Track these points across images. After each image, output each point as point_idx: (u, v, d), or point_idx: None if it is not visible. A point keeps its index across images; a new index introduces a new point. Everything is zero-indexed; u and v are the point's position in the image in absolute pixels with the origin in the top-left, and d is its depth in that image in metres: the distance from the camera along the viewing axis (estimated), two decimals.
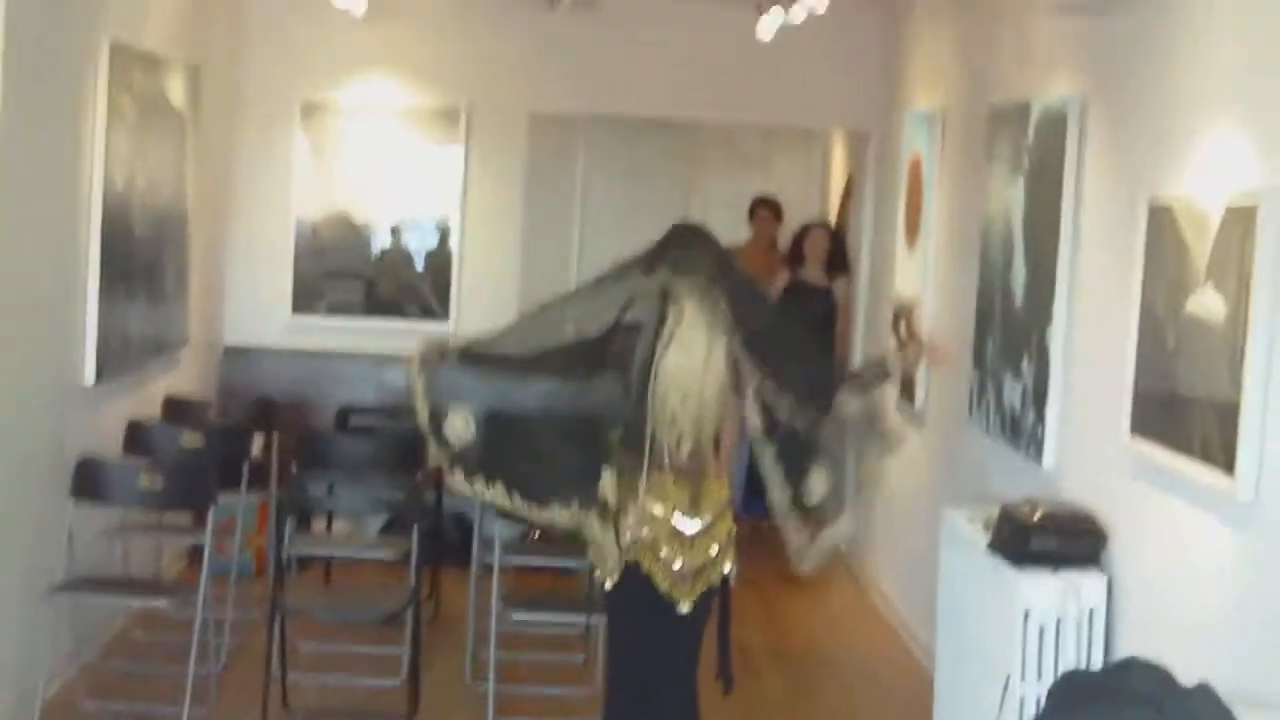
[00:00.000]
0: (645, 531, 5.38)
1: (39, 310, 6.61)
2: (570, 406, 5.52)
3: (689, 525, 5.40)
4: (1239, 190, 4.46)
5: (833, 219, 11.58)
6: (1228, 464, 4.39)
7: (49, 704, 6.46)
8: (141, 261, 7.86)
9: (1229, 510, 4.46)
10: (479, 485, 5.48)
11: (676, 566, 5.40)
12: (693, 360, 5.36)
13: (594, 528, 5.45)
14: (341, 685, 7.18)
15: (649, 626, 5.50)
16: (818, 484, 5.60)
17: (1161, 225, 4.95)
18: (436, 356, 5.58)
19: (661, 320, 5.40)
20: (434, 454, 5.60)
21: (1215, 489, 4.49)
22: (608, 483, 5.41)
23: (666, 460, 5.39)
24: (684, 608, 5.42)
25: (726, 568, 5.57)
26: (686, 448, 5.39)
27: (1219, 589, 4.55)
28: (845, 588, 9.59)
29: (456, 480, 5.52)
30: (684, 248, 5.51)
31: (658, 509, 5.38)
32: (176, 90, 8.38)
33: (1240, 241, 4.39)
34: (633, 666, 5.57)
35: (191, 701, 6.40)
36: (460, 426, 5.51)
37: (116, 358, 7.47)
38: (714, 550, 5.50)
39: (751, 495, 10.91)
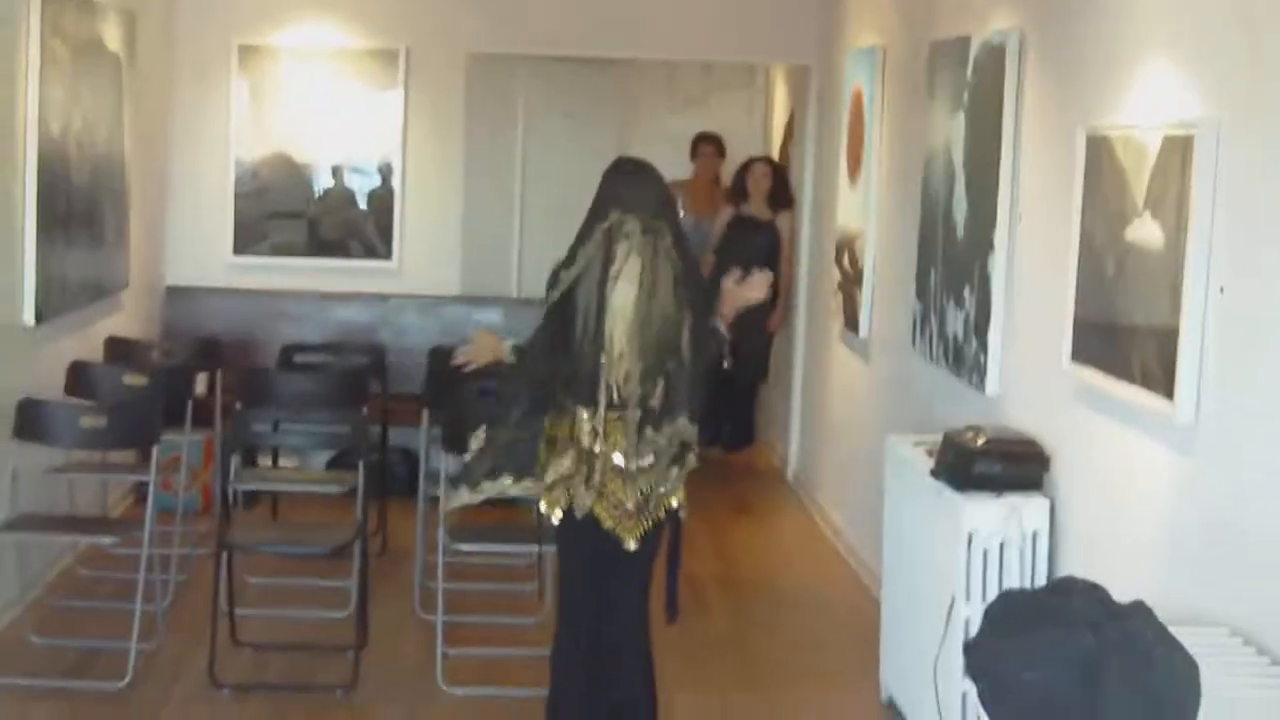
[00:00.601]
0: (585, 470, 5.41)
1: None
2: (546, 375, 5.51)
3: (632, 462, 5.41)
4: (1176, 120, 4.51)
5: (775, 154, 11.60)
6: (1167, 389, 4.45)
7: None
8: (80, 205, 7.83)
9: (1168, 434, 4.53)
10: (486, 484, 5.49)
11: (626, 505, 5.42)
12: (640, 292, 5.37)
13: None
14: (290, 619, 7.22)
15: (597, 562, 5.53)
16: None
17: (1100, 156, 4.99)
18: None
19: (609, 257, 5.40)
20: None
21: (1155, 413, 4.55)
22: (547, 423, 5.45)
23: (615, 397, 5.40)
24: (630, 544, 5.45)
25: (675, 502, 5.60)
26: (634, 384, 5.40)
27: (1159, 511, 4.63)
28: (794, 517, 9.67)
29: (462, 495, 5.54)
30: (629, 184, 5.52)
31: (598, 447, 5.39)
32: (112, 35, 8.33)
33: (1178, 170, 4.43)
34: (582, 601, 5.61)
35: (139, 637, 6.42)
36: (474, 445, 5.52)
37: (56, 300, 7.46)
38: (662, 486, 5.52)
39: (699, 425, 10.98)
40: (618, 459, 5.37)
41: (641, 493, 5.42)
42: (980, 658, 2.23)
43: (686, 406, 5.46)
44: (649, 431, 5.40)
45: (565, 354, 5.39)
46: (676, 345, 5.40)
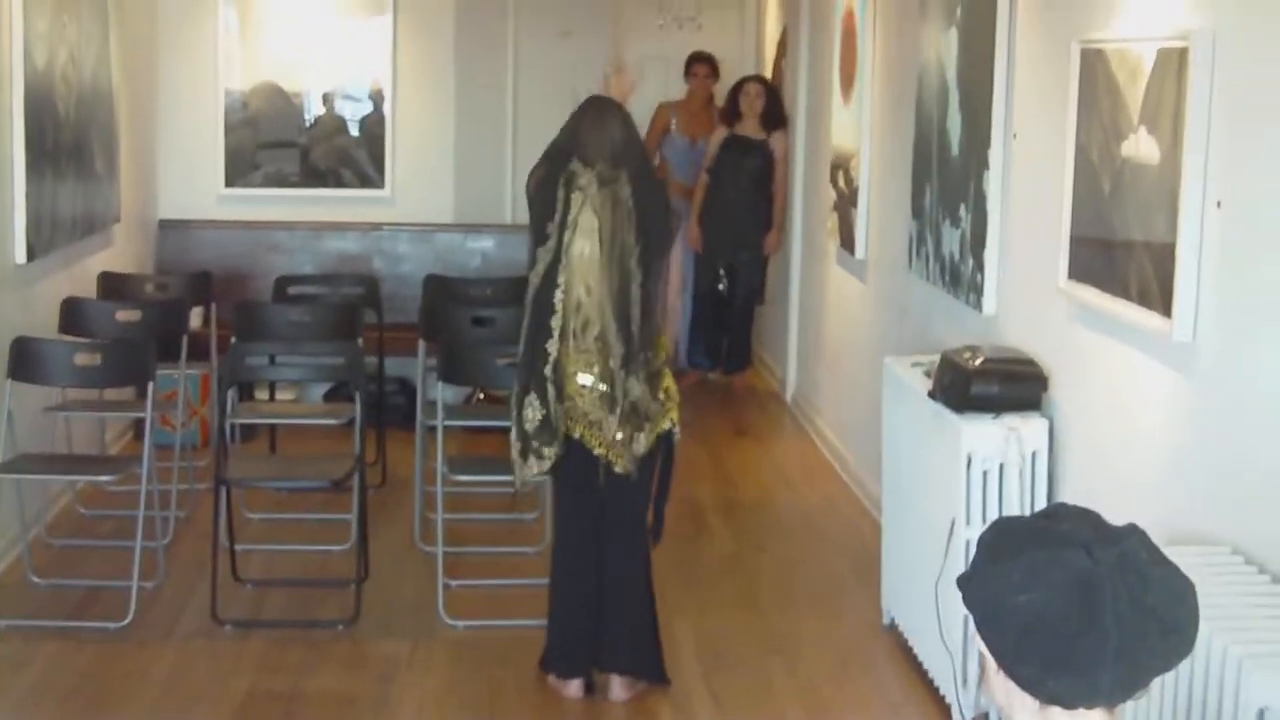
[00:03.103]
0: (571, 403, 5.43)
1: None
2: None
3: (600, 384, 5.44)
4: (1170, 31, 4.45)
5: (768, 73, 11.52)
6: (1164, 306, 4.41)
7: None
8: (68, 139, 7.76)
9: (1166, 352, 4.49)
10: (548, 450, 5.51)
11: (615, 435, 5.44)
12: (596, 247, 5.39)
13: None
14: (290, 553, 7.21)
15: (592, 490, 5.55)
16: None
17: (1094, 70, 4.94)
18: None
19: (566, 206, 5.42)
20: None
21: (1153, 331, 4.52)
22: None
23: (573, 344, 5.41)
24: (618, 467, 5.48)
25: (667, 425, 5.61)
26: (593, 333, 5.41)
27: (1158, 430, 4.60)
28: (792, 439, 9.66)
29: (532, 467, 5.55)
30: (591, 127, 5.51)
31: (583, 378, 5.42)
32: None
33: (1173, 83, 4.38)
34: (579, 528, 5.62)
35: (140, 575, 6.41)
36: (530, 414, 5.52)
37: (47, 236, 7.41)
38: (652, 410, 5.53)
39: (696, 348, 11.00)
40: (583, 379, 5.40)
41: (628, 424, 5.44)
42: (974, 587, 2.21)
43: (640, 365, 5.49)
44: (621, 374, 5.42)
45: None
46: (627, 302, 5.43)
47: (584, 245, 5.41)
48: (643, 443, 5.52)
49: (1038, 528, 2.22)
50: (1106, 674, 2.12)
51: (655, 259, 5.51)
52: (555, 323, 5.44)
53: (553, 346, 5.44)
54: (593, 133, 5.51)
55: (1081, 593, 2.11)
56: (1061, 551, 2.15)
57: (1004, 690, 2.21)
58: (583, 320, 5.43)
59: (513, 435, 5.56)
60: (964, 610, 2.25)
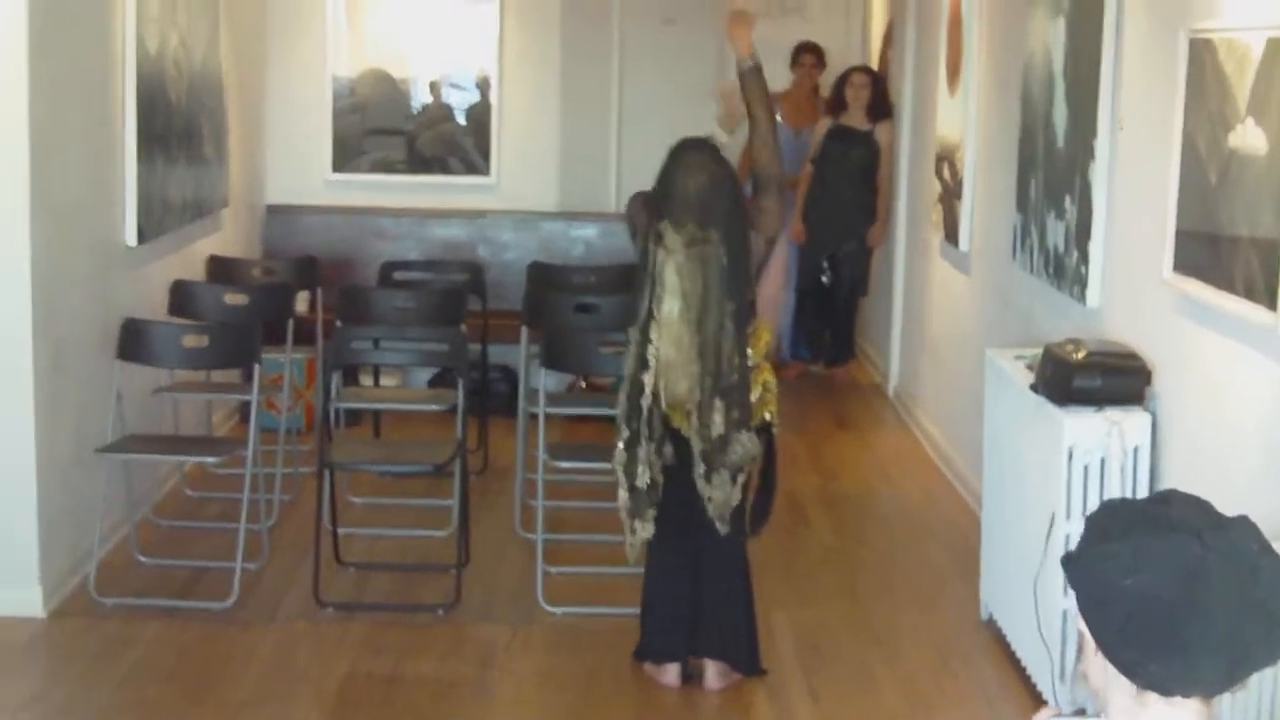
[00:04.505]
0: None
1: (79, 174, 6.64)
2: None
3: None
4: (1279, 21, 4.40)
5: (874, 63, 11.47)
6: (1270, 300, 4.36)
7: (104, 562, 6.56)
8: (178, 123, 7.86)
9: (1271, 345, 4.44)
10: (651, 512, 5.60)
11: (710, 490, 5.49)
12: (684, 306, 5.40)
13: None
14: (392, 538, 7.27)
15: (690, 477, 5.55)
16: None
17: (1202, 59, 4.89)
18: None
19: (654, 262, 5.43)
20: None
21: (1258, 325, 4.46)
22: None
23: (662, 403, 5.47)
24: (719, 527, 5.54)
25: (766, 416, 5.62)
26: (682, 390, 5.43)
27: (1263, 425, 4.55)
28: (894, 432, 9.62)
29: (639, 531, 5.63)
30: (685, 176, 5.49)
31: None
32: None
33: None
34: (676, 516, 5.63)
35: (244, 557, 6.49)
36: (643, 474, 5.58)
37: (157, 219, 7.50)
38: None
39: (797, 341, 10.98)
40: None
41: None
42: (1080, 566, 2.19)
43: (745, 420, 5.48)
44: (713, 472, 5.48)
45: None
46: (719, 359, 5.43)
47: (673, 305, 5.42)
48: (738, 494, 5.54)
49: (1148, 511, 2.20)
50: (1209, 662, 2.10)
51: (741, 323, 5.48)
52: (648, 379, 5.45)
53: (645, 402, 5.46)
54: (681, 190, 5.49)
55: (1190, 579, 2.10)
56: (1172, 536, 2.13)
57: (1102, 673, 2.20)
58: (675, 376, 5.44)
59: (622, 495, 5.60)
60: (1063, 605, 2.23)
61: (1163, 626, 2.10)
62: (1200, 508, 2.20)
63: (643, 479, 5.51)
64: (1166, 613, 2.10)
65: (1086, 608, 2.18)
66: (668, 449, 5.53)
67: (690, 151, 5.61)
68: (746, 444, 5.47)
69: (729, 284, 5.42)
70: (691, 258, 5.40)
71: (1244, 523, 2.18)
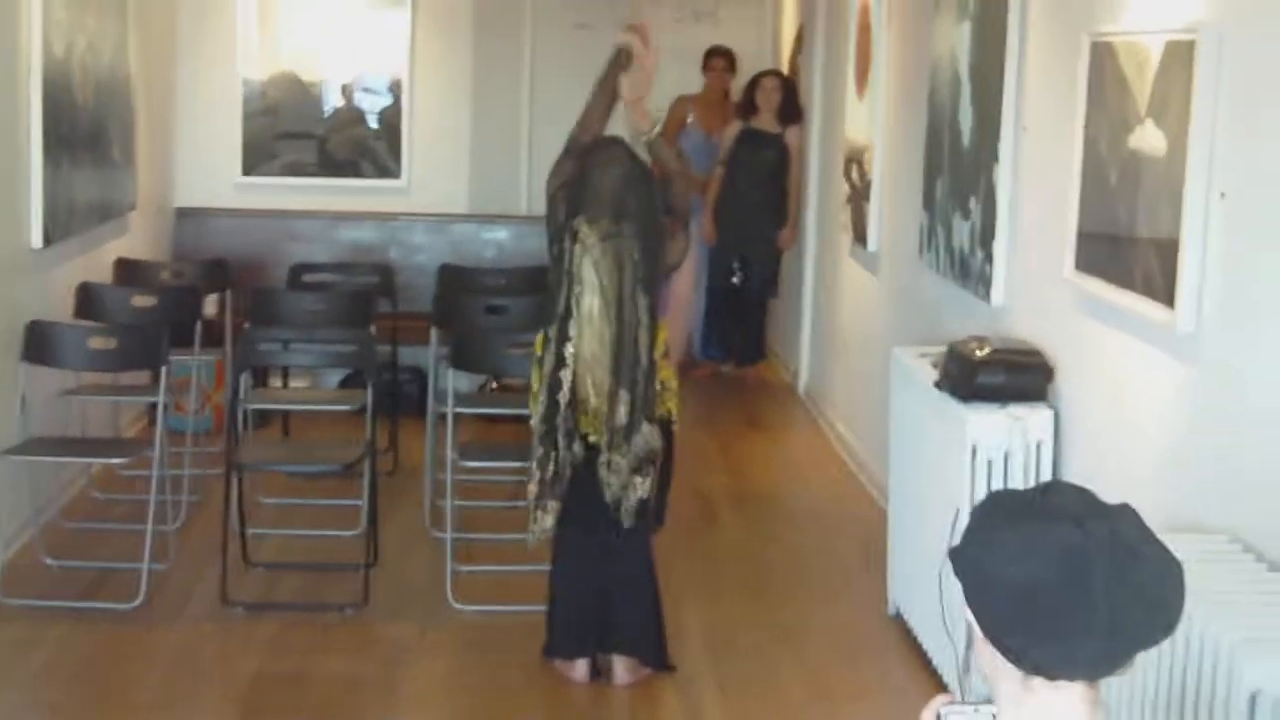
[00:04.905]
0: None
1: None
2: None
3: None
4: (1178, 24, 4.47)
5: (785, 68, 11.54)
6: (1169, 297, 4.43)
7: (10, 564, 6.53)
8: (85, 126, 7.81)
9: (1170, 342, 4.51)
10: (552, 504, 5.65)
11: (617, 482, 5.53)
12: (602, 303, 5.43)
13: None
14: (301, 538, 7.25)
15: (594, 475, 5.59)
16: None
17: (1103, 62, 4.96)
18: None
19: (570, 257, 5.46)
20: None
21: (1157, 322, 4.54)
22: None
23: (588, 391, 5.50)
24: (624, 520, 5.59)
25: (666, 412, 5.68)
26: (603, 385, 5.47)
27: (1162, 420, 4.62)
28: (804, 431, 9.68)
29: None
30: (597, 175, 5.52)
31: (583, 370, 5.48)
32: None
33: (1180, 76, 4.40)
34: (581, 513, 5.65)
35: (151, 558, 6.45)
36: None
37: (64, 222, 7.45)
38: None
39: (709, 341, 11.03)
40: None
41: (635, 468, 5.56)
42: (963, 556, 2.23)
43: (647, 410, 5.54)
44: (615, 459, 5.51)
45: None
46: (637, 348, 5.47)
47: (593, 301, 5.44)
48: (645, 488, 5.57)
49: (1030, 501, 2.24)
50: (1091, 646, 2.14)
51: (654, 316, 5.55)
52: (566, 376, 5.47)
53: (563, 398, 5.48)
54: (595, 186, 5.51)
55: (1071, 565, 2.13)
56: (1053, 525, 2.16)
57: (989, 660, 2.24)
58: (599, 374, 5.47)
59: (531, 487, 5.64)
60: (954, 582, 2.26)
61: (1044, 613, 2.14)
62: (1082, 496, 2.24)
63: (549, 471, 5.53)
64: (1048, 599, 2.13)
65: (971, 597, 2.22)
66: (577, 447, 5.55)
67: (604, 149, 5.65)
68: (648, 436, 5.51)
69: (644, 278, 5.47)
70: (607, 251, 5.43)
71: (1125, 510, 2.22)
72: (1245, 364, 4.16)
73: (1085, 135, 5.09)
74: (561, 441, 5.51)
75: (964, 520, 4.94)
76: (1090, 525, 2.16)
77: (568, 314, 5.46)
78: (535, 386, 5.66)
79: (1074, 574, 2.13)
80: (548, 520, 5.60)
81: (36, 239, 7.12)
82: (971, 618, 2.23)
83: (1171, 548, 2.22)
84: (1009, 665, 2.20)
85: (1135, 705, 3.78)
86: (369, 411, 6.75)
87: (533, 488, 5.61)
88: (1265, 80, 4.07)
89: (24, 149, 7.03)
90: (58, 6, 7.26)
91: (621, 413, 5.46)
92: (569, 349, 5.46)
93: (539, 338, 5.71)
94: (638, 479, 5.56)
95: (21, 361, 6.72)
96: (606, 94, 5.82)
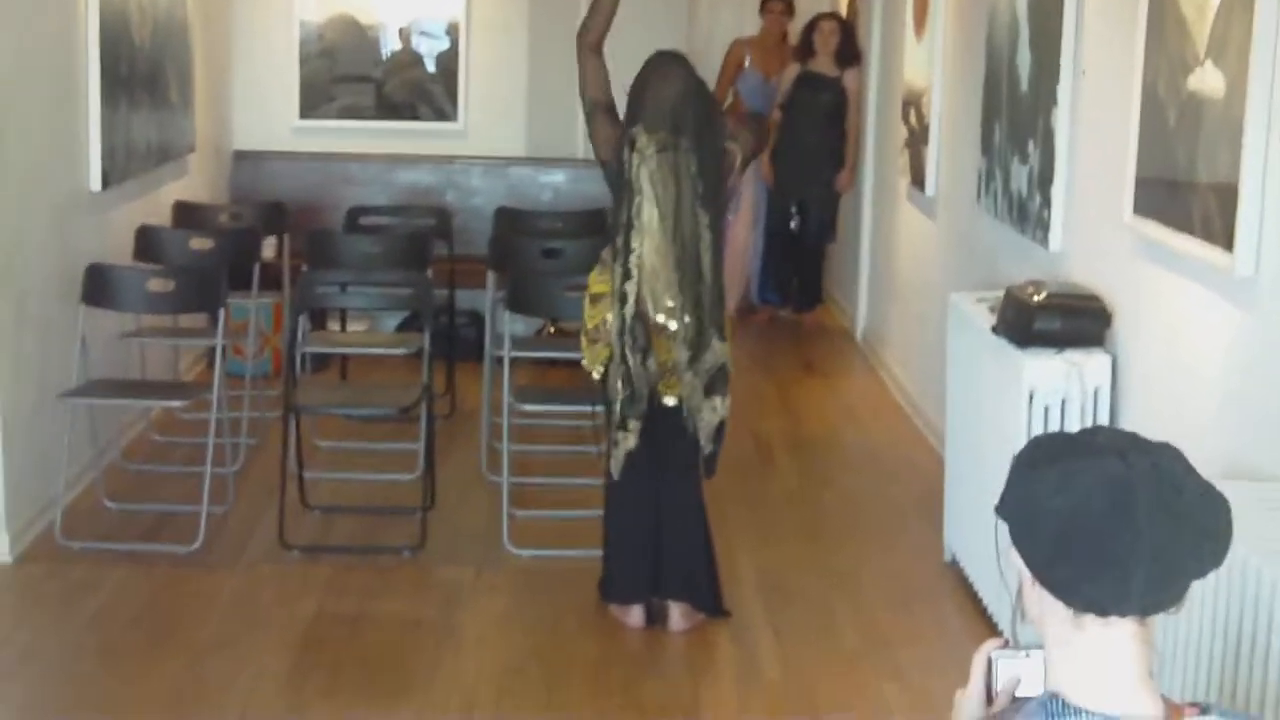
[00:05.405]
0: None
1: (42, 120, 6.62)
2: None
3: (673, 323, 5.47)
4: None
5: (843, 10, 11.46)
6: (1227, 241, 4.39)
7: (70, 507, 6.57)
8: (143, 69, 7.83)
9: (1228, 286, 4.48)
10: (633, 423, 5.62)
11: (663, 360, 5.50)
12: (660, 214, 5.42)
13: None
14: (358, 481, 7.28)
15: (648, 421, 5.59)
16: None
17: (1163, 3, 4.90)
18: None
19: (629, 169, 5.45)
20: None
21: (1215, 266, 4.50)
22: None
23: (649, 305, 5.47)
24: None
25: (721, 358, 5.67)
26: (666, 297, 5.45)
27: (1219, 365, 4.59)
28: (861, 377, 9.66)
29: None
30: (656, 87, 5.52)
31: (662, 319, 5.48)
32: None
33: (1240, 17, 4.34)
34: (637, 464, 5.65)
35: (210, 501, 6.50)
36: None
37: (122, 164, 7.49)
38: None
39: (766, 285, 11.01)
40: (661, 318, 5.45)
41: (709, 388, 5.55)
42: (1008, 498, 2.23)
43: (716, 327, 5.51)
44: (687, 375, 5.51)
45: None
46: (699, 264, 5.44)
47: (651, 212, 5.44)
48: (725, 407, 5.56)
49: (1073, 439, 2.24)
50: (1140, 572, 2.12)
51: (717, 229, 5.54)
52: (630, 288, 5.46)
53: (628, 312, 5.47)
54: (654, 98, 5.51)
55: (1115, 494, 2.12)
56: (1095, 458, 2.16)
57: (1037, 602, 2.22)
58: (659, 285, 5.46)
59: (608, 409, 5.64)
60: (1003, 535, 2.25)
61: (1092, 541, 2.13)
62: (1125, 435, 2.24)
63: (624, 391, 5.53)
64: (1095, 527, 2.13)
65: (1018, 536, 2.21)
66: (650, 363, 5.54)
67: (665, 62, 5.64)
68: (718, 351, 5.51)
69: (703, 194, 5.46)
70: (663, 164, 5.43)
71: (1168, 447, 2.22)
72: None
73: (1144, 78, 5.03)
74: (632, 358, 5.50)
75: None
76: (1133, 458, 2.15)
77: (630, 225, 5.46)
78: (589, 325, 5.66)
79: (1118, 502, 2.12)
80: (630, 440, 5.57)
81: (95, 182, 7.16)
82: (1019, 560, 2.23)
83: (1223, 489, 2.21)
84: (1057, 604, 2.19)
85: (1188, 652, 3.76)
86: (426, 355, 6.77)
87: (610, 409, 5.60)
88: None
89: (82, 91, 7.06)
90: None
91: (691, 326, 5.46)
92: (633, 260, 5.45)
93: (591, 275, 5.71)
94: (717, 399, 5.55)
95: (81, 304, 6.76)
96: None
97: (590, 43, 5.75)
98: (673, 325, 5.46)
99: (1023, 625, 3.95)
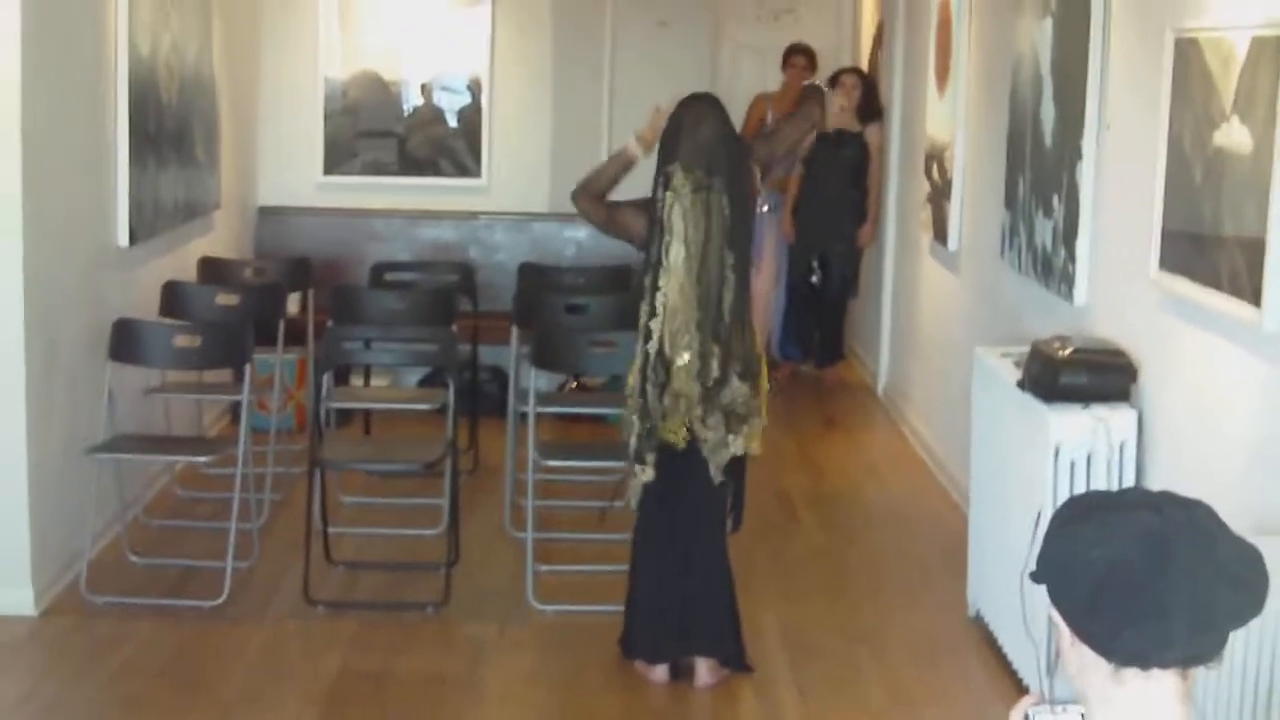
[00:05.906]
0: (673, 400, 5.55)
1: (71, 175, 6.67)
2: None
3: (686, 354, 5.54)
4: (1265, 19, 4.42)
5: (864, 65, 11.50)
6: (1255, 296, 4.39)
7: (95, 561, 6.57)
8: (170, 125, 7.89)
9: (1256, 342, 4.47)
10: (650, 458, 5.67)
11: (705, 431, 5.53)
12: (688, 253, 5.47)
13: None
14: (382, 536, 7.29)
15: (674, 477, 5.61)
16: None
17: (1188, 59, 4.92)
18: None
19: (661, 206, 5.50)
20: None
21: (1242, 321, 4.49)
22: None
23: (668, 343, 5.51)
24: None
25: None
26: (687, 336, 5.49)
27: (1247, 421, 4.58)
28: (883, 431, 9.65)
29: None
30: (691, 127, 5.59)
31: (681, 358, 5.50)
32: None
33: (1266, 73, 4.36)
34: (660, 514, 5.66)
35: (235, 556, 6.51)
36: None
37: (149, 220, 7.53)
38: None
39: (788, 340, 11.01)
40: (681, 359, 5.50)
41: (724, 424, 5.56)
42: (1045, 555, 2.24)
43: (741, 365, 5.55)
44: (698, 410, 5.54)
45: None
46: (720, 304, 5.52)
47: (679, 251, 5.50)
48: (739, 446, 5.58)
49: (1106, 495, 2.26)
50: (1179, 620, 2.12)
51: (742, 275, 5.59)
52: (655, 325, 5.51)
53: (651, 348, 5.51)
54: (690, 137, 5.57)
55: (1152, 544, 2.14)
56: (1131, 512, 2.18)
57: (1077, 661, 2.22)
58: (678, 323, 5.50)
59: (628, 442, 5.67)
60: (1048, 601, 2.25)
61: (1132, 591, 2.14)
62: (1159, 492, 2.26)
63: (641, 426, 5.56)
64: (1134, 577, 2.13)
65: (1056, 592, 2.22)
66: (667, 400, 5.55)
67: (699, 103, 5.73)
68: (736, 391, 5.53)
69: (731, 235, 5.51)
70: (697, 202, 5.50)
71: (1200, 503, 2.23)
72: None
73: (1169, 133, 5.04)
74: (650, 392, 5.52)
75: (1046, 522, 4.93)
76: (1168, 510, 2.18)
77: (659, 264, 5.51)
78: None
79: (1155, 552, 2.14)
80: (648, 473, 5.60)
81: (123, 238, 7.20)
82: (1057, 617, 2.23)
83: (1264, 551, 2.21)
84: (1098, 660, 2.19)
85: (1228, 708, 3.74)
86: (450, 410, 6.78)
87: (629, 442, 5.63)
88: None
89: (111, 148, 7.11)
90: (143, 6, 7.33)
91: (714, 367, 5.50)
92: (659, 298, 5.51)
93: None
94: (730, 437, 5.57)
95: (109, 359, 6.78)
96: (620, 163, 5.91)
97: (592, 194, 5.83)
98: (685, 357, 5.49)
99: (1050, 680, 3.90)
